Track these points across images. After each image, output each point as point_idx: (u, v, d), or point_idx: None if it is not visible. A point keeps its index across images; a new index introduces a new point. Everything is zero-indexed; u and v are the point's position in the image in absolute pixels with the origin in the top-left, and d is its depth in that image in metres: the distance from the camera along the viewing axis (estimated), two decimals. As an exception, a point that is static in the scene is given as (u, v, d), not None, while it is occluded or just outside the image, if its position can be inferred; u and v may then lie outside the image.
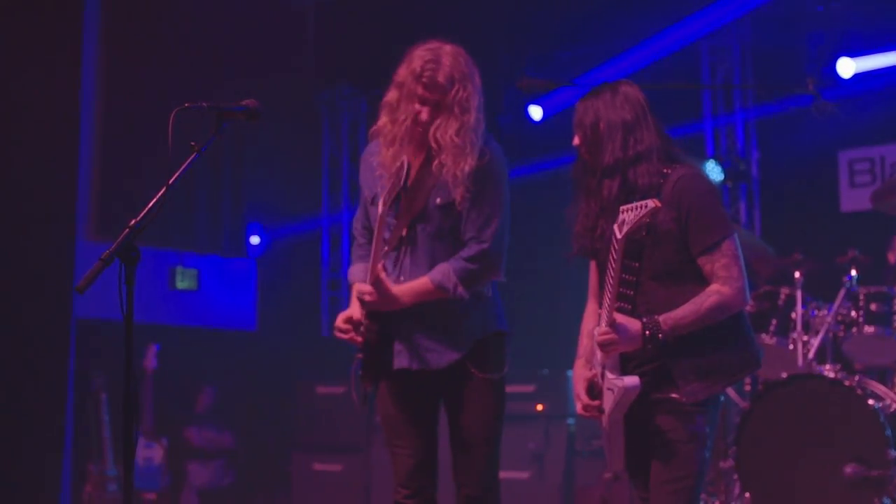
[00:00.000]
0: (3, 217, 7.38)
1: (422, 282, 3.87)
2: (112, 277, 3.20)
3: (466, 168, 3.83)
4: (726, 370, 3.55)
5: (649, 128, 3.61)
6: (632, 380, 3.47)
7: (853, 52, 7.70)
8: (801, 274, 6.19)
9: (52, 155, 7.72)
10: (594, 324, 3.65)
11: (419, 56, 3.90)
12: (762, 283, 6.65)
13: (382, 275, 3.81)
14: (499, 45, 9.19)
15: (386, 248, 3.88)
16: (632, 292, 3.54)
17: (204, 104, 3.48)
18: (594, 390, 3.64)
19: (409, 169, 3.91)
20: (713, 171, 8.06)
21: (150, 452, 7.94)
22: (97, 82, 8.68)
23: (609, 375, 3.53)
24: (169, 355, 8.21)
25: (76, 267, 7.77)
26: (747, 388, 6.97)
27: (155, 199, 3.29)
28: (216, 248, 9.67)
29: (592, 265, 3.82)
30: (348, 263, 8.40)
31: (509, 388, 4.09)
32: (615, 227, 3.41)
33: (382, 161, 3.95)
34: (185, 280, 9.32)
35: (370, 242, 4.07)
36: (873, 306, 6.03)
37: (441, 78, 3.86)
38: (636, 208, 3.35)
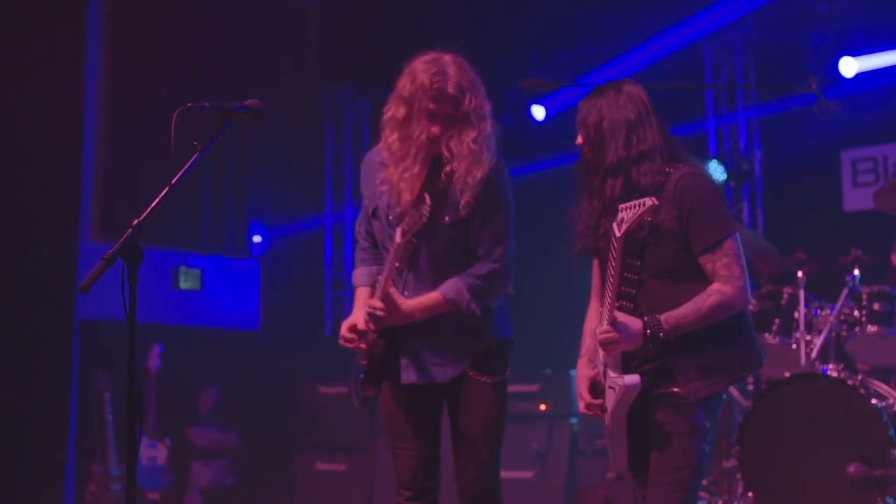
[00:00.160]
0: (6, 217, 7.39)
1: (433, 297, 3.86)
2: (115, 277, 3.21)
3: (479, 174, 3.81)
4: (728, 369, 3.56)
5: (652, 127, 3.62)
6: (632, 378, 3.48)
7: (856, 52, 7.70)
8: (804, 273, 6.19)
9: (55, 155, 7.73)
10: (597, 323, 3.65)
11: (423, 69, 3.86)
12: (765, 282, 6.65)
13: (392, 290, 3.81)
14: (501, 45, 9.19)
15: (397, 264, 3.84)
16: (634, 291, 3.55)
17: (206, 104, 3.49)
18: (597, 389, 3.64)
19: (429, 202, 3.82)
20: (716, 170, 8.06)
21: (154, 452, 7.95)
22: (100, 83, 8.69)
23: (611, 374, 3.54)
24: (172, 355, 8.22)
25: (79, 267, 7.78)
26: (750, 387, 6.96)
27: (158, 199, 3.30)
28: (219, 249, 9.68)
29: (595, 264, 3.83)
30: (351, 264, 8.41)
31: (512, 388, 4.10)
32: (614, 225, 3.42)
33: (390, 178, 3.91)
34: (188, 280, 9.33)
35: (373, 247, 4.11)
36: (876, 306, 6.02)
37: (451, 90, 3.83)
38: (634, 206, 3.36)
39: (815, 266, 6.31)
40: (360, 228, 4.21)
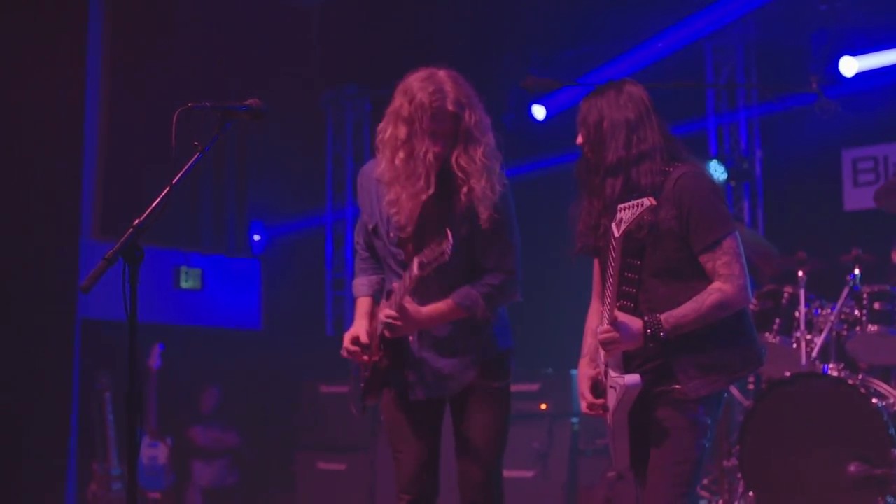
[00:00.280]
0: (8, 216, 7.41)
1: (446, 304, 3.87)
2: (116, 277, 3.21)
3: (499, 187, 3.84)
4: (728, 368, 3.57)
5: (653, 127, 3.62)
6: (633, 378, 3.49)
7: (857, 51, 7.70)
8: (805, 273, 6.19)
9: (56, 155, 7.75)
10: (597, 322, 3.66)
11: (420, 88, 3.85)
12: (766, 281, 6.65)
13: (407, 300, 3.81)
14: (503, 44, 9.20)
15: (411, 281, 3.80)
16: (634, 290, 3.55)
17: (207, 104, 3.49)
18: (598, 389, 3.65)
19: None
20: (717, 170, 8.06)
21: (155, 452, 7.95)
22: (101, 82, 8.69)
23: (612, 373, 3.55)
24: (173, 355, 8.22)
25: (81, 266, 7.79)
26: (751, 386, 6.97)
27: (158, 199, 3.30)
28: (221, 248, 9.68)
29: (596, 263, 3.84)
30: (352, 263, 8.41)
31: (513, 388, 4.12)
32: (613, 225, 3.43)
33: (398, 199, 3.89)
34: (189, 280, 9.33)
35: (372, 257, 4.14)
36: (877, 305, 6.02)
37: (451, 107, 3.84)
38: (633, 206, 3.37)
39: (815, 265, 6.31)
40: (358, 239, 4.22)
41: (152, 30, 8.86)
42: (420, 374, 3.97)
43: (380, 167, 3.94)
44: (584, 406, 3.70)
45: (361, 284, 4.16)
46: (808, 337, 6.13)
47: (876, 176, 8.03)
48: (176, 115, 3.36)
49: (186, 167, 3.38)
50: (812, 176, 8.23)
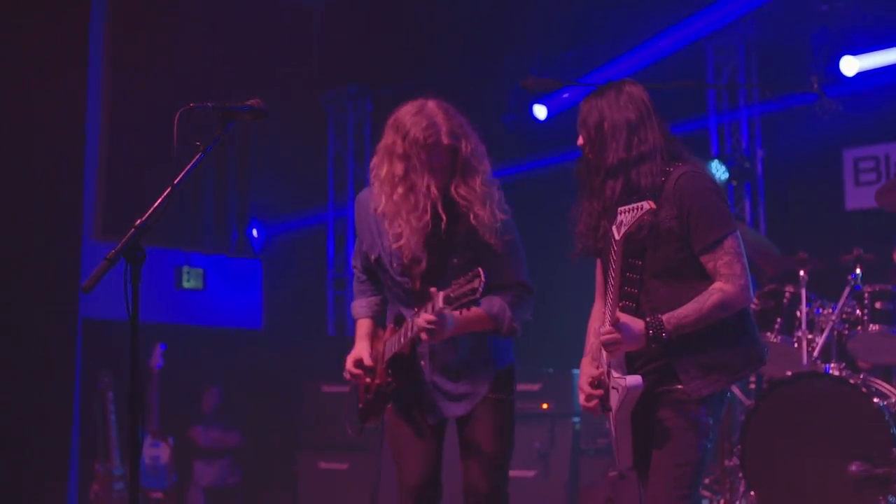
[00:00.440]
0: (10, 216, 7.41)
1: (476, 312, 3.83)
2: (118, 277, 3.21)
3: (501, 215, 3.86)
4: (729, 367, 3.57)
5: (653, 127, 3.62)
6: (634, 379, 3.49)
7: (858, 50, 7.69)
8: (806, 272, 6.19)
9: (58, 155, 7.75)
10: (600, 322, 3.66)
11: (413, 123, 3.84)
12: (767, 281, 6.65)
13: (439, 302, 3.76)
14: (505, 44, 9.20)
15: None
16: (636, 290, 3.55)
17: (209, 104, 3.50)
18: (600, 387, 3.64)
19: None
20: (718, 170, 8.06)
21: (157, 451, 7.96)
22: (103, 82, 8.70)
23: (614, 374, 3.54)
24: (175, 355, 8.22)
25: (83, 266, 7.80)
26: (752, 386, 6.97)
27: (160, 200, 3.31)
28: (222, 248, 9.69)
29: (598, 264, 3.84)
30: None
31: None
32: (613, 227, 3.43)
33: (402, 235, 3.89)
34: (191, 279, 9.34)
35: (370, 280, 4.18)
36: (878, 304, 6.02)
37: (446, 140, 3.84)
38: (632, 210, 3.37)
39: (816, 265, 6.31)
40: (356, 263, 4.24)
41: (154, 30, 8.87)
42: (434, 397, 4.01)
43: (378, 203, 3.94)
44: (581, 398, 3.70)
45: (361, 306, 4.18)
46: (810, 336, 6.13)
47: (877, 175, 8.03)
48: (177, 115, 3.37)
49: (188, 167, 3.38)
50: (813, 175, 8.23)
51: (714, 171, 7.92)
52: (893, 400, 5.61)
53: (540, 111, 8.91)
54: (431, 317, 3.71)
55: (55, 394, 7.65)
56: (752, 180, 8.57)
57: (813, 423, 5.60)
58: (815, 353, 6.03)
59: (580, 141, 3.70)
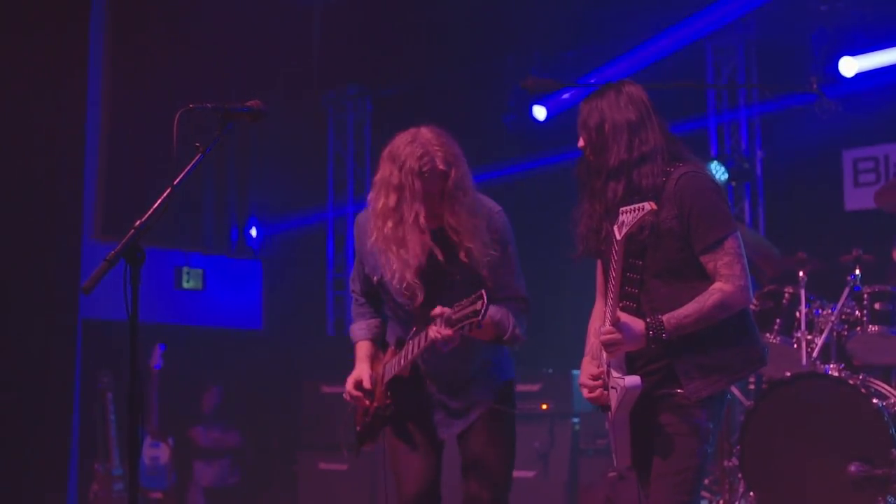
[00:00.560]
0: (10, 217, 7.42)
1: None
2: (118, 277, 3.22)
3: (489, 243, 3.86)
4: (730, 368, 3.57)
5: (654, 128, 3.61)
6: (633, 380, 3.48)
7: (858, 51, 7.69)
8: (805, 273, 6.19)
9: (58, 155, 7.76)
10: (601, 322, 3.65)
11: (409, 154, 3.84)
12: (767, 282, 6.65)
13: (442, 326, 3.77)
14: (505, 45, 9.20)
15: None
16: (636, 290, 3.55)
17: (209, 105, 3.50)
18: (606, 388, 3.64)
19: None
20: (717, 171, 8.06)
21: (157, 452, 7.96)
22: (103, 83, 8.70)
23: (614, 374, 3.54)
24: (175, 355, 8.23)
25: (82, 266, 7.80)
26: (751, 386, 6.97)
27: (160, 201, 3.31)
28: (222, 249, 9.70)
29: (598, 264, 3.84)
30: (353, 263, 8.40)
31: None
32: (615, 228, 3.42)
33: (392, 267, 3.90)
34: (190, 280, 9.35)
35: (369, 302, 4.20)
36: (877, 305, 6.01)
37: (441, 166, 3.84)
38: (634, 210, 3.37)
39: (816, 265, 6.31)
40: (355, 287, 4.25)
41: (154, 30, 8.88)
42: (437, 415, 4.03)
43: (371, 238, 3.95)
44: (585, 392, 3.69)
45: (360, 328, 4.19)
46: (809, 337, 6.13)
47: (877, 176, 8.03)
48: (177, 116, 3.37)
49: (188, 168, 3.38)
50: (813, 176, 8.23)
51: (713, 171, 7.92)
52: (892, 400, 5.61)
53: (539, 112, 8.91)
54: (448, 332, 3.66)
55: (55, 394, 7.66)
56: (752, 181, 8.57)
57: (812, 424, 5.60)
58: (815, 354, 6.03)
59: (581, 143, 3.69)
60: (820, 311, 6.16)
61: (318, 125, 10.47)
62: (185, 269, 9.32)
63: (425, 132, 3.90)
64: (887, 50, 7.66)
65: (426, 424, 4.06)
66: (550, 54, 8.98)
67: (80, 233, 8.01)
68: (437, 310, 3.65)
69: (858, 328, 6.06)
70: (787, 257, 6.57)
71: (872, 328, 6.00)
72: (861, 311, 6.04)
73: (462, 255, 3.85)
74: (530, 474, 7.37)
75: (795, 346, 6.17)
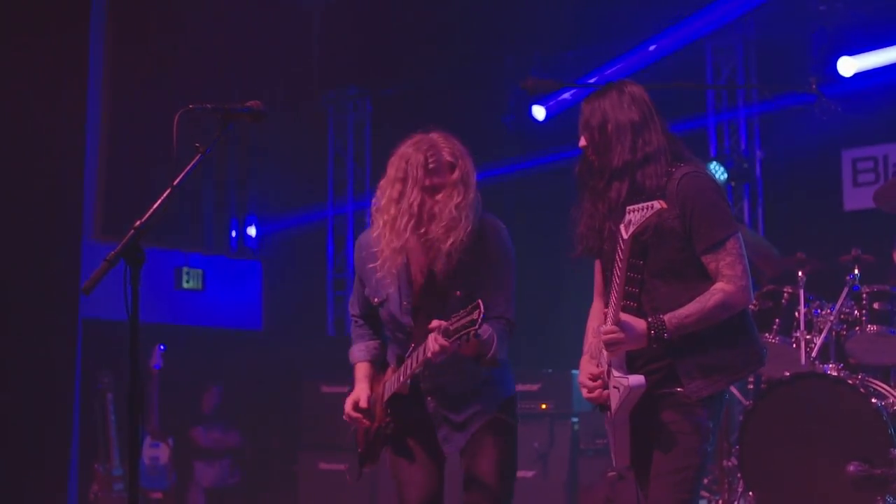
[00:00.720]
0: (10, 217, 7.42)
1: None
2: (119, 277, 3.22)
3: (455, 243, 3.82)
4: (730, 368, 3.57)
5: (656, 128, 3.61)
6: (637, 379, 3.48)
7: (856, 50, 7.70)
8: (804, 273, 6.19)
9: (58, 155, 7.76)
10: (599, 322, 3.66)
11: (416, 149, 3.88)
12: (766, 282, 6.65)
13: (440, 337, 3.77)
14: (505, 45, 9.21)
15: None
16: (637, 290, 3.55)
17: (209, 105, 3.50)
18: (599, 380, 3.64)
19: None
20: (716, 171, 8.07)
21: (157, 452, 7.97)
22: (103, 83, 8.71)
23: (615, 373, 3.53)
24: (175, 355, 8.23)
25: (82, 267, 7.81)
26: (750, 386, 6.97)
27: (160, 201, 3.31)
28: (222, 249, 9.70)
29: (597, 264, 3.83)
30: (353, 263, 8.41)
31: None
32: (621, 227, 3.40)
33: (390, 269, 3.92)
34: (190, 280, 9.35)
35: (368, 324, 4.20)
36: (876, 305, 6.02)
37: (448, 157, 3.87)
38: (643, 209, 3.35)
39: (815, 265, 6.31)
40: (354, 311, 4.26)
41: (154, 30, 8.88)
42: (445, 431, 4.02)
43: (374, 231, 3.97)
44: (584, 392, 3.69)
45: (359, 350, 4.20)
46: (808, 337, 6.13)
47: (876, 176, 8.04)
48: (177, 116, 3.37)
49: (188, 168, 3.38)
50: (812, 176, 8.24)
51: (713, 171, 7.93)
52: (891, 400, 5.62)
53: (539, 112, 8.92)
54: (445, 343, 3.63)
55: (55, 394, 7.66)
56: (751, 181, 8.58)
57: (811, 424, 5.60)
58: (814, 354, 6.03)
59: (582, 142, 3.68)
60: (819, 310, 6.16)
61: (318, 125, 10.47)
62: (185, 269, 9.33)
63: (433, 133, 3.94)
64: (886, 49, 7.66)
65: (428, 440, 4.05)
66: (550, 54, 8.99)
67: (80, 233, 8.01)
68: (435, 323, 3.65)
69: (857, 328, 6.06)
70: (786, 257, 6.57)
71: (871, 328, 6.01)
72: (860, 311, 6.05)
73: (424, 233, 3.84)
74: (530, 474, 7.37)
75: (794, 345, 6.17)
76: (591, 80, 8.41)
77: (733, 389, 6.51)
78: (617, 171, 3.57)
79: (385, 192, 3.91)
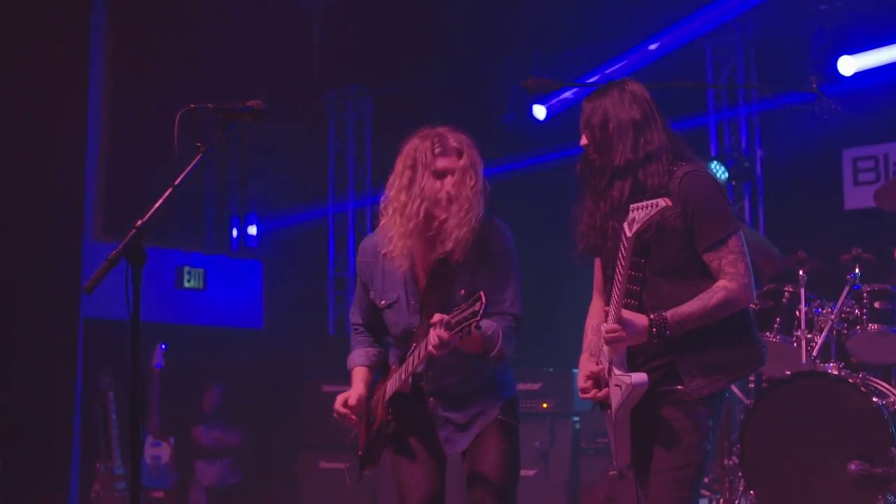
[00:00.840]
0: (11, 217, 7.43)
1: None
2: (120, 277, 3.23)
3: (468, 232, 3.83)
4: (730, 367, 3.57)
5: (658, 127, 3.61)
6: (639, 376, 3.48)
7: (856, 49, 7.70)
8: (805, 272, 6.19)
9: (59, 155, 7.77)
10: (599, 320, 3.66)
11: (422, 138, 3.91)
12: (767, 281, 6.66)
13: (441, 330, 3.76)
14: (505, 45, 9.22)
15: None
16: (638, 288, 3.55)
17: (210, 105, 3.50)
18: (599, 384, 3.64)
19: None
20: (717, 170, 8.07)
21: (158, 451, 7.97)
22: (104, 83, 8.71)
23: (616, 371, 3.53)
24: (176, 354, 8.24)
25: (84, 266, 7.81)
26: (751, 385, 6.97)
27: (161, 200, 3.31)
28: (223, 248, 9.71)
29: (597, 262, 3.83)
30: (353, 263, 8.43)
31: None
32: (625, 224, 3.40)
33: (401, 267, 3.94)
34: (191, 279, 9.36)
35: (368, 332, 4.20)
36: (877, 304, 6.02)
37: (454, 143, 3.90)
38: (647, 207, 3.34)
39: (815, 264, 6.32)
40: (356, 319, 4.25)
41: (155, 30, 8.89)
42: (442, 431, 4.03)
43: (381, 233, 3.99)
44: (581, 394, 3.69)
45: (358, 355, 4.20)
46: (809, 336, 6.13)
47: (876, 175, 8.05)
48: (178, 116, 3.37)
49: (189, 168, 3.38)
50: (812, 175, 8.24)
51: (714, 170, 7.93)
52: (892, 399, 5.62)
53: (539, 111, 8.93)
54: (446, 335, 3.62)
55: (56, 393, 7.67)
56: (752, 180, 8.59)
57: (812, 423, 5.60)
58: (815, 353, 6.03)
59: (584, 141, 3.67)
60: (820, 309, 6.16)
61: (318, 125, 10.48)
62: (186, 268, 9.34)
63: (440, 127, 3.97)
64: (886, 48, 7.66)
65: (429, 439, 4.05)
66: (550, 54, 8.99)
67: (80, 232, 8.02)
68: (436, 317, 3.64)
69: (858, 327, 6.06)
70: (786, 256, 6.57)
71: (872, 327, 6.01)
72: (861, 310, 6.05)
73: (436, 220, 3.86)
74: (531, 473, 7.38)
75: (795, 344, 6.17)
76: (592, 80, 8.41)
77: (734, 388, 6.52)
78: (618, 169, 3.58)
79: (394, 184, 3.92)
